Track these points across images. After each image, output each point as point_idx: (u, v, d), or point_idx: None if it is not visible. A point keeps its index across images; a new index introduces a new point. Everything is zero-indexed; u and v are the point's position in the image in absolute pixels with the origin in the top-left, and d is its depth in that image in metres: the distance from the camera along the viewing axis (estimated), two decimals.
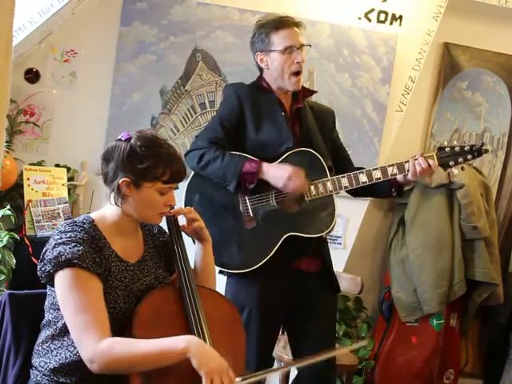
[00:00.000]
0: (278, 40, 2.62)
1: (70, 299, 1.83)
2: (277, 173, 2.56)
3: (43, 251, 1.91)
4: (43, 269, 1.89)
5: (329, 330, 2.79)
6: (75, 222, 1.95)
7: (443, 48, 4.35)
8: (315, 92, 2.85)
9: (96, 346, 1.77)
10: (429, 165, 2.57)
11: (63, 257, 1.84)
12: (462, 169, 2.65)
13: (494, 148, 4.53)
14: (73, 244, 1.87)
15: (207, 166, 2.59)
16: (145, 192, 1.94)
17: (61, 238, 1.89)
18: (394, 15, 4.08)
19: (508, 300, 4.28)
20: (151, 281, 2.04)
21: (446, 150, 2.61)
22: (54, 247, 1.87)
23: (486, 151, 2.64)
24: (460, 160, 2.60)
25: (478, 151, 2.60)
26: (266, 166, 2.57)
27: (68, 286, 1.84)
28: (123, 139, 1.97)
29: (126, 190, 1.93)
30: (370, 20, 4.07)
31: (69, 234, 1.89)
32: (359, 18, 4.07)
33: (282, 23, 2.64)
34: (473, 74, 4.42)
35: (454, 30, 4.27)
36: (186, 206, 2.65)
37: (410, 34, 4.08)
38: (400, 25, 4.08)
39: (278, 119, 2.67)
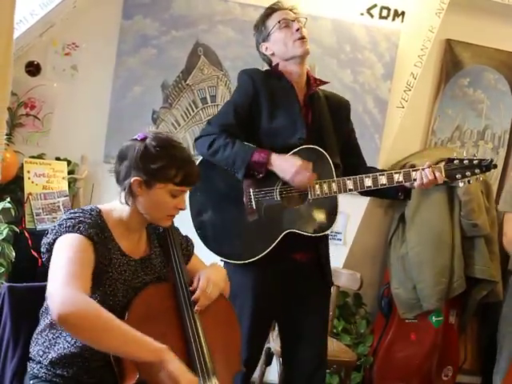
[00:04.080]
0: (272, 21, 2.68)
1: (62, 255, 1.81)
2: (285, 165, 2.54)
3: (48, 229, 1.92)
4: (45, 241, 1.89)
5: (321, 323, 2.78)
6: (83, 209, 1.97)
7: (445, 45, 4.34)
8: (327, 82, 2.81)
9: (76, 292, 1.70)
10: (435, 177, 2.56)
11: (68, 223, 1.85)
12: (469, 182, 2.62)
13: (495, 145, 4.53)
14: (81, 218, 1.88)
15: (217, 153, 2.57)
16: (156, 193, 1.93)
17: (69, 216, 1.90)
18: (396, 11, 4.06)
19: None
20: (152, 280, 2.04)
21: (455, 162, 2.59)
22: (60, 221, 1.89)
23: (495, 167, 2.62)
24: (467, 174, 2.58)
25: (486, 166, 2.57)
26: (274, 157, 2.55)
27: (63, 246, 1.83)
28: (139, 139, 1.96)
29: (137, 190, 1.92)
30: (372, 16, 4.06)
31: (77, 214, 1.91)
32: (361, 14, 4.05)
33: (272, 8, 2.72)
34: (475, 71, 4.42)
35: (456, 27, 4.26)
36: (190, 193, 2.61)
37: (412, 30, 4.06)
38: (402, 21, 4.06)
39: (292, 107, 2.65)
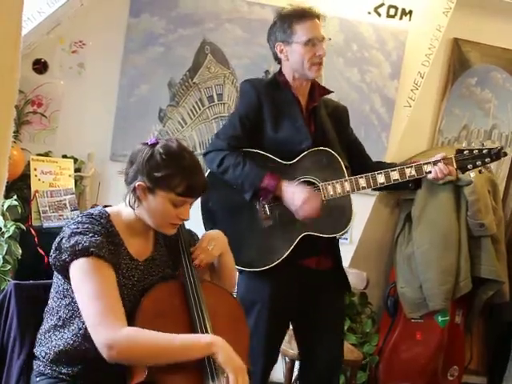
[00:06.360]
0: (302, 31, 2.61)
1: (87, 287, 1.82)
2: (291, 197, 2.53)
3: (58, 240, 1.90)
4: (59, 257, 1.87)
5: (338, 325, 2.80)
6: (92, 214, 1.95)
7: (453, 44, 4.32)
8: (332, 92, 2.82)
9: (117, 331, 1.76)
10: (448, 170, 2.57)
11: (80, 245, 1.84)
12: (480, 172, 2.63)
13: (503, 145, 4.50)
14: (90, 234, 1.87)
15: (227, 172, 2.57)
16: (157, 200, 1.92)
17: (77, 228, 1.88)
18: (403, 10, 4.05)
19: None
20: (158, 280, 2.03)
21: (465, 152, 2.60)
22: (70, 236, 1.87)
23: (505, 154, 2.62)
24: (478, 163, 2.58)
25: (496, 154, 2.58)
26: (284, 186, 2.55)
27: (84, 275, 1.83)
28: (149, 143, 1.95)
29: (140, 194, 1.92)
30: (379, 15, 4.05)
31: (86, 225, 1.89)
32: (369, 13, 4.04)
33: (306, 14, 2.63)
34: (482, 71, 4.40)
35: (463, 26, 4.24)
36: (202, 203, 2.64)
37: (419, 29, 4.05)
38: (410, 20, 4.06)
39: (296, 118, 2.65)
